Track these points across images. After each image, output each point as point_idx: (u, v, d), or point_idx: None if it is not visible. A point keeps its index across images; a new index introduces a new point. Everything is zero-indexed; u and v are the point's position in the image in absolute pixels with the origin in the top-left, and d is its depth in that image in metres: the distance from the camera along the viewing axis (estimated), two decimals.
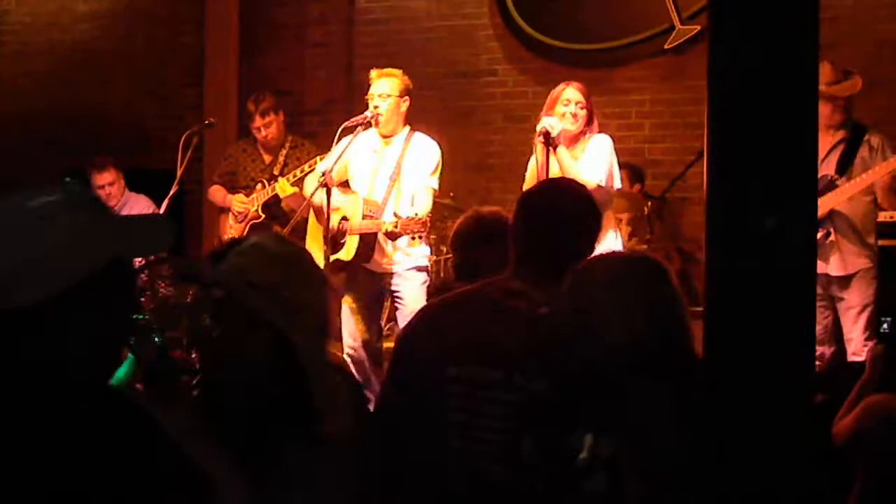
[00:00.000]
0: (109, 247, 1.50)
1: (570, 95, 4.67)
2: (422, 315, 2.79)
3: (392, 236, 4.61)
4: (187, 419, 1.73)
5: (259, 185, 5.79)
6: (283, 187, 5.59)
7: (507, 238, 2.89)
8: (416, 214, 4.49)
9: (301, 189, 5.40)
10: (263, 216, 5.74)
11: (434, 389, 2.51)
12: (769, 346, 2.28)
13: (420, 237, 4.54)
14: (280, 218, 5.64)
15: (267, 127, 5.80)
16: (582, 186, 2.96)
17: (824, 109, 4.98)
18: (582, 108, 4.66)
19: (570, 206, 2.71)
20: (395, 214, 4.57)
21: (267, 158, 5.89)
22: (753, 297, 2.27)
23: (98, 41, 8.12)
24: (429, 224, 4.50)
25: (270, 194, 5.71)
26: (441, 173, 4.91)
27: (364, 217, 4.78)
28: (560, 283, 2.41)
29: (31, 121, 8.09)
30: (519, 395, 2.41)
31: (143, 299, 4.58)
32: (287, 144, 5.87)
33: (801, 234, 2.30)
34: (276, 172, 5.77)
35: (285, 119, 5.94)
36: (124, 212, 6.20)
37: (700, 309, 2.43)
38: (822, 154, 5.00)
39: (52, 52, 8.23)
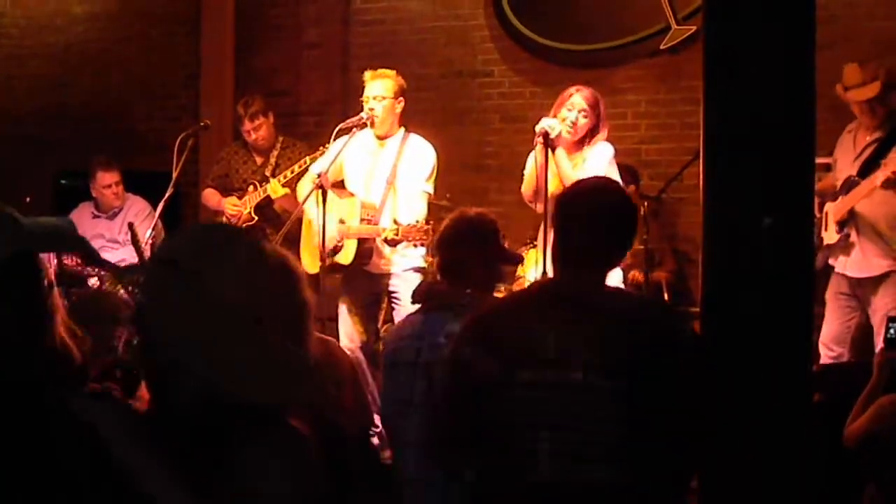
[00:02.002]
0: (7, 245, 1.55)
1: (574, 101, 4.64)
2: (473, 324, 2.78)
3: (392, 244, 4.59)
4: (122, 419, 1.66)
5: (251, 188, 5.77)
6: (275, 188, 5.57)
7: (493, 238, 3.03)
8: (417, 222, 4.47)
9: (293, 190, 5.38)
10: (257, 218, 5.71)
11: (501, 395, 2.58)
12: (766, 346, 2.28)
13: (421, 244, 4.51)
14: (273, 220, 5.62)
15: (256, 130, 5.79)
16: (614, 183, 3.02)
17: (852, 111, 4.92)
18: (585, 117, 4.62)
19: (606, 204, 2.76)
20: (395, 221, 4.55)
21: (258, 160, 5.87)
22: (750, 297, 2.27)
23: (93, 43, 8.10)
24: (431, 232, 4.43)
25: (262, 196, 5.69)
26: (436, 176, 4.89)
27: (361, 221, 4.76)
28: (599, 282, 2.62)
29: (26, 122, 8.08)
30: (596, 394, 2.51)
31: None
32: (278, 145, 5.86)
33: (797, 235, 2.29)
34: (267, 174, 5.75)
35: (276, 121, 5.93)
36: (125, 212, 6.21)
37: (697, 309, 2.43)
38: (854, 154, 4.94)
39: (48, 54, 8.21)
